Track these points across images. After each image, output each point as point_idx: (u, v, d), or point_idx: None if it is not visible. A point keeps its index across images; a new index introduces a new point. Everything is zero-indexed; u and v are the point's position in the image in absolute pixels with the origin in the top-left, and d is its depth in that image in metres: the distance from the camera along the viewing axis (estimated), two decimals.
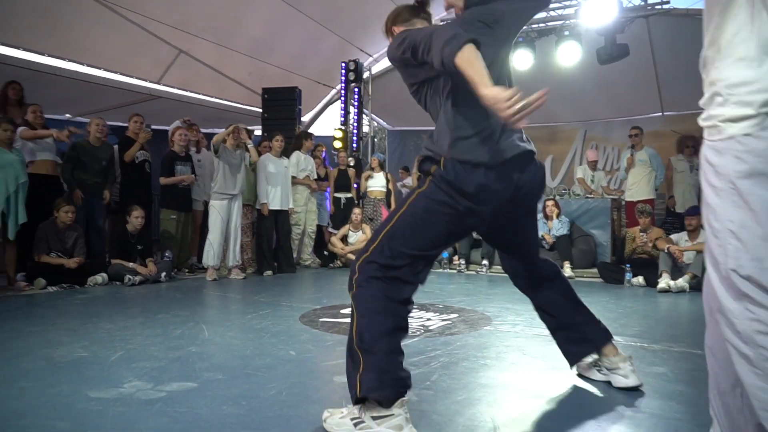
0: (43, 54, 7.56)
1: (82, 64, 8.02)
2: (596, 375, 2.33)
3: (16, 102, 6.04)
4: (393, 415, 1.68)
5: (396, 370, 1.73)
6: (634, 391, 2.19)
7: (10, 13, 6.83)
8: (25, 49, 7.39)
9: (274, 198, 6.73)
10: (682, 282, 5.44)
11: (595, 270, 6.69)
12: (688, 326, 3.88)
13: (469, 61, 1.58)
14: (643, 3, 7.52)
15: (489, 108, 1.55)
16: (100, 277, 5.46)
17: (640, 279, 5.93)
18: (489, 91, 1.54)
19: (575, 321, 2.31)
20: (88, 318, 3.70)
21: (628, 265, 6.10)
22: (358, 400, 1.74)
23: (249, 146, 6.49)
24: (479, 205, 1.80)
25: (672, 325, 3.91)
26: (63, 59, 7.76)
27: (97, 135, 6.07)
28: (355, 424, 1.72)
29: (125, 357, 2.67)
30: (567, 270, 6.67)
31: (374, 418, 1.70)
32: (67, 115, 9.46)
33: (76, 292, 5.03)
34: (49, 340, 3.05)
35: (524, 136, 1.94)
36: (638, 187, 7.21)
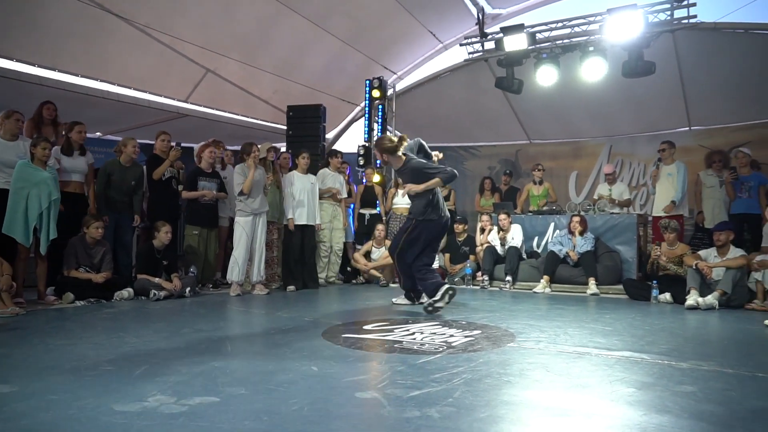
0: (76, 75, 7.80)
1: (113, 84, 8.23)
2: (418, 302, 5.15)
3: (50, 122, 6.21)
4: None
5: None
6: (663, 412, 2.13)
7: (45, 36, 7.05)
8: (59, 71, 7.64)
9: (300, 214, 6.79)
10: (711, 299, 5.30)
11: (620, 287, 6.58)
12: (718, 344, 3.78)
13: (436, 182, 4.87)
14: (669, 18, 7.43)
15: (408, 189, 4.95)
16: (126, 292, 5.53)
17: (667, 296, 5.81)
18: (419, 187, 4.89)
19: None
20: (114, 332, 3.75)
21: (654, 282, 5.99)
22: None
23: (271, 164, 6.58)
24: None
25: (701, 342, 3.82)
26: (95, 79, 8.00)
27: (132, 156, 6.22)
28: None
29: (149, 371, 2.69)
30: (592, 286, 6.57)
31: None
32: (98, 134, 9.69)
33: (103, 307, 5.10)
34: (77, 353, 3.09)
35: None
36: (665, 202, 7.07)
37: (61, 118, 6.30)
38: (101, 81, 8.02)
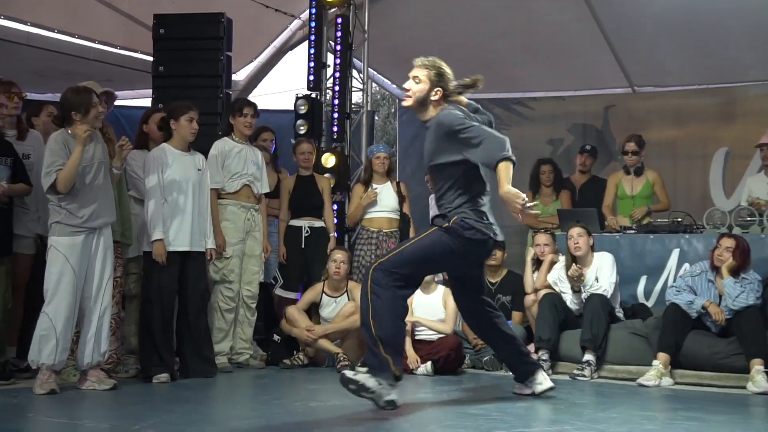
0: None
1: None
2: (525, 390, 5.64)
3: None
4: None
5: None
6: None
7: None
8: None
9: (178, 231, 6.78)
10: None
11: None
12: None
13: (506, 168, 4.90)
14: None
15: (505, 201, 4.86)
16: None
17: None
18: (511, 190, 4.82)
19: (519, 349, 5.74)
20: None
21: None
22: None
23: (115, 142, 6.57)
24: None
25: None
26: None
27: None
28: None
29: None
30: (757, 378, 6.48)
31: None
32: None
33: None
34: None
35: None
36: None
37: None
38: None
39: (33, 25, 9.84)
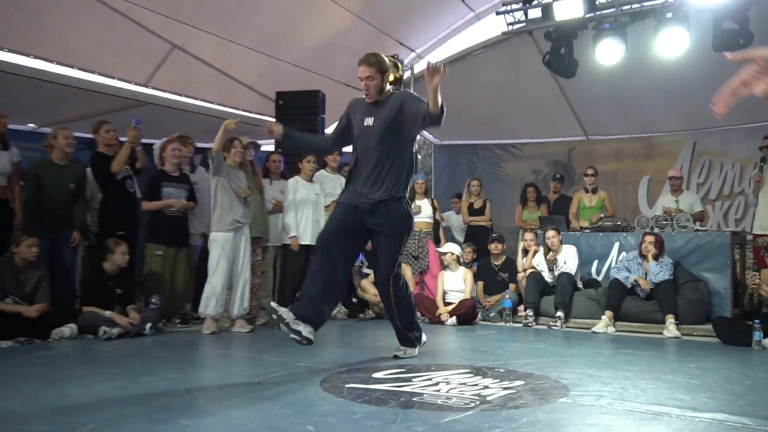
0: (1, 49, 7.77)
1: (50, 61, 8.18)
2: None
3: None
4: None
5: None
6: None
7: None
8: None
9: (304, 232, 7.00)
10: None
11: (709, 327, 6.44)
12: None
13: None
14: None
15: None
16: (68, 329, 5.53)
17: None
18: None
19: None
20: (51, 381, 3.73)
21: (756, 322, 5.88)
22: None
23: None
24: None
25: None
26: (27, 55, 7.83)
27: (66, 150, 6.24)
28: None
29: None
30: (670, 326, 6.47)
31: None
32: (31, 125, 9.72)
33: (36, 348, 5.11)
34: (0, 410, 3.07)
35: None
36: None
37: None
38: (35, 57, 7.98)
39: (200, 99, 9.86)
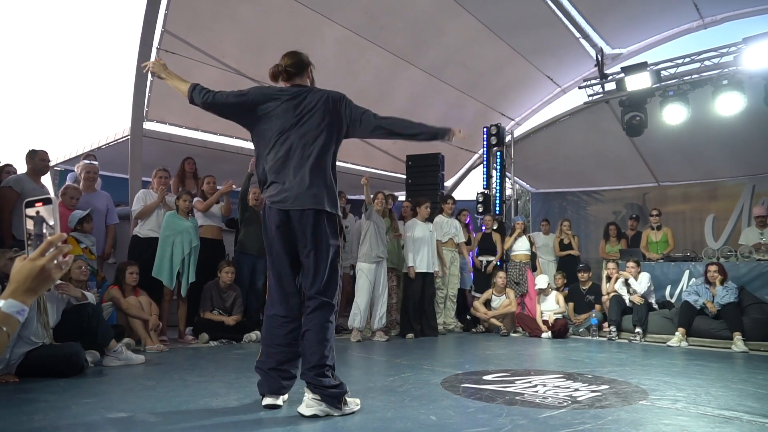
0: (215, 133, 8.54)
1: (247, 140, 8.89)
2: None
3: (192, 175, 6.82)
4: None
5: None
6: None
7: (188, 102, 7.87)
8: (201, 131, 8.48)
9: (420, 261, 6.84)
10: None
11: None
12: None
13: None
14: None
15: None
16: (254, 335, 5.76)
17: None
18: None
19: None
20: (243, 372, 3.92)
21: None
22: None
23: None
24: None
25: None
26: (231, 137, 8.69)
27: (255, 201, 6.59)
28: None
29: (274, 411, 2.80)
30: (738, 342, 5.93)
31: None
32: (234, 186, 10.39)
33: (233, 347, 5.40)
34: (210, 390, 3.29)
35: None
36: None
37: (201, 172, 6.88)
38: (236, 138, 8.68)
39: (349, 162, 10.24)
